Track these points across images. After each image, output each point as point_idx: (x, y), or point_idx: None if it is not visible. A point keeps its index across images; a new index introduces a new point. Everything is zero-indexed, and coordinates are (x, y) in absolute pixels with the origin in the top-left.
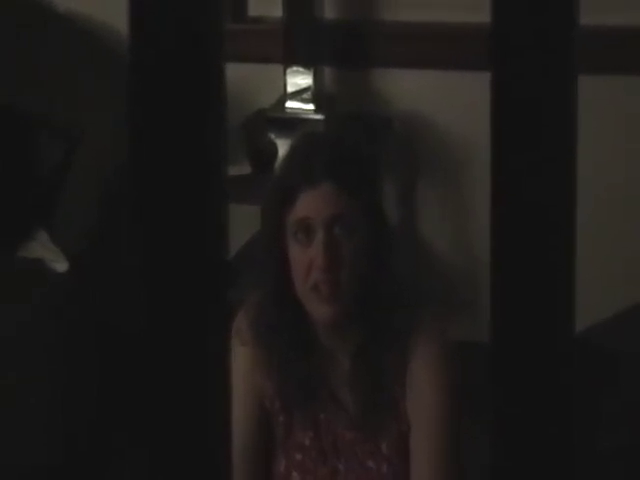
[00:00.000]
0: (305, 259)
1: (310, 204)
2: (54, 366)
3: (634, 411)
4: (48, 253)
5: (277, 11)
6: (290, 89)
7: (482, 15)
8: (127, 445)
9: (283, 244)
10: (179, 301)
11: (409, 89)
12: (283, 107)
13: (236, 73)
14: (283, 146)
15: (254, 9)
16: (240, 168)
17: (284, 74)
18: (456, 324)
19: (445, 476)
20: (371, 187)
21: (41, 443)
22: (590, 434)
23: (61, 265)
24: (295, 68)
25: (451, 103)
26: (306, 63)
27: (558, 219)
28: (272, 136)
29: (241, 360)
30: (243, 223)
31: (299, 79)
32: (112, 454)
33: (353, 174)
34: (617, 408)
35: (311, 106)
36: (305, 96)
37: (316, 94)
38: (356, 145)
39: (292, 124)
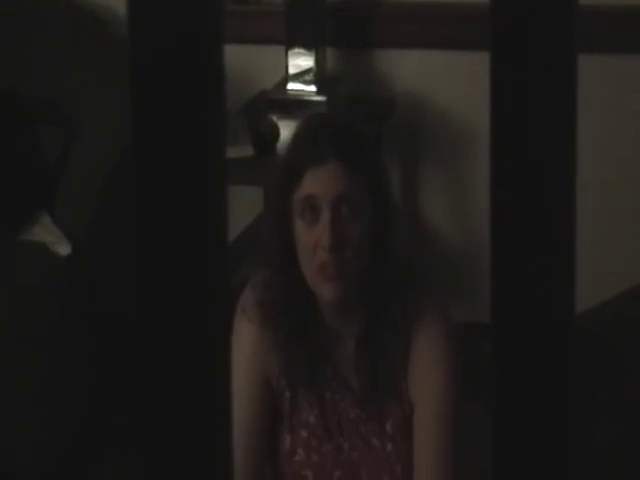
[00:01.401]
0: (311, 238)
1: (317, 182)
2: (51, 356)
3: (632, 400)
4: (51, 236)
5: None
6: (292, 71)
7: None
8: (126, 430)
9: (289, 223)
10: (179, 285)
11: (411, 69)
12: (285, 89)
13: (238, 55)
14: (285, 128)
15: None
16: (242, 150)
17: (286, 56)
18: (458, 305)
19: (447, 456)
20: (377, 167)
21: (38, 425)
22: (588, 422)
23: (64, 248)
24: (297, 50)
25: (454, 83)
26: (308, 45)
27: (558, 200)
28: (274, 118)
29: (247, 338)
30: (245, 205)
31: (301, 61)
32: (110, 436)
33: (359, 153)
34: (615, 397)
35: (313, 88)
36: (307, 78)
37: (318, 75)
38: (361, 125)
39: (294, 106)
